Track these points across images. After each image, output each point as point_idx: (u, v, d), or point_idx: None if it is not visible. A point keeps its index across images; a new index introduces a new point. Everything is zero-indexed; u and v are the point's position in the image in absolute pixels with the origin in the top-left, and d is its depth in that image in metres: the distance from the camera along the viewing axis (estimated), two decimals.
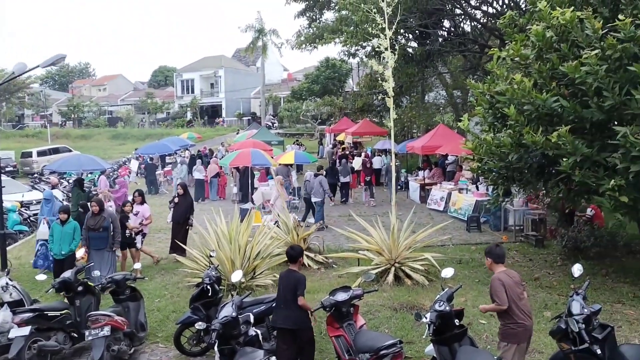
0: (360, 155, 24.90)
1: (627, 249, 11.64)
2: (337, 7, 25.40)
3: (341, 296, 6.38)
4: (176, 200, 12.61)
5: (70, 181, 23.53)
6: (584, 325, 5.02)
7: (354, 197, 20.97)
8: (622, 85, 7.76)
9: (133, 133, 52.98)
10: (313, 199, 15.78)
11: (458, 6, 23.30)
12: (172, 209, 12.75)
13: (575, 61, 8.03)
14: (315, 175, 16.17)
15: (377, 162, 23.70)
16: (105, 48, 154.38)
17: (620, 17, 7.78)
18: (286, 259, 7.05)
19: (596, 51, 7.85)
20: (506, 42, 11.15)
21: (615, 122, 7.99)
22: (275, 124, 51.66)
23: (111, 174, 25.53)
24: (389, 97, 10.86)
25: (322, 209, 15.83)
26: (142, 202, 12.00)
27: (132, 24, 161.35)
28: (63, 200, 20.05)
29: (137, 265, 9.30)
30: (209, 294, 7.34)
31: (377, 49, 11.24)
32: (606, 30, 8.06)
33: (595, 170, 8.21)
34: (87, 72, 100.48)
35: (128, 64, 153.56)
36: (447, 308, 5.50)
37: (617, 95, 7.74)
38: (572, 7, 8.61)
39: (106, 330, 6.68)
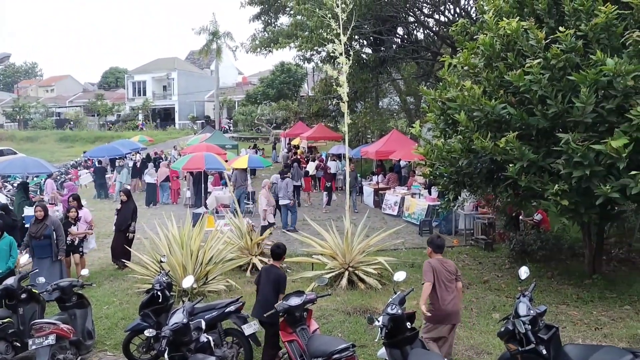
0: (314, 160, 24.96)
1: (571, 251, 12.08)
2: (292, 12, 25.45)
3: (294, 301, 6.34)
4: (118, 207, 12.13)
5: (15, 185, 22.66)
6: (530, 326, 5.15)
7: (310, 202, 20.96)
8: (564, 94, 8.09)
9: (82, 135, 51.33)
10: (282, 202, 15.85)
11: (411, 14, 23.76)
12: (116, 216, 12.23)
13: (520, 70, 8.31)
14: (283, 178, 16.34)
15: (332, 167, 23.82)
16: (53, 48, 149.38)
17: (561, 29, 8.11)
18: (237, 264, 7.13)
19: (538, 60, 8.14)
20: (458, 49, 11.42)
21: (559, 129, 8.29)
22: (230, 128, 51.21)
23: (59, 177, 24.68)
24: (344, 102, 10.94)
25: (296, 212, 16.32)
26: (80, 206, 11.42)
27: (83, 23, 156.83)
28: (7, 202, 19.24)
29: (85, 272, 8.98)
30: (160, 301, 7.17)
31: (331, 54, 11.31)
32: (549, 40, 8.38)
33: (540, 176, 8.51)
34: (33, 72, 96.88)
35: (77, 64, 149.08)
36: (399, 311, 5.55)
37: (560, 103, 8.05)
38: (518, 17, 8.91)
39: (51, 339, 6.42)
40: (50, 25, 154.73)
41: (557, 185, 7.98)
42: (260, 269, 7.30)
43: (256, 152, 28.84)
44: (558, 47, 8.06)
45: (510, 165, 8.39)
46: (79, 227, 10.89)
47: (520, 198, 9.63)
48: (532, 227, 12.85)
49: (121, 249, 11.38)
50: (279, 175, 17.44)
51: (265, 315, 6.43)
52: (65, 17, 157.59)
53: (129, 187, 16.48)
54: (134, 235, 11.83)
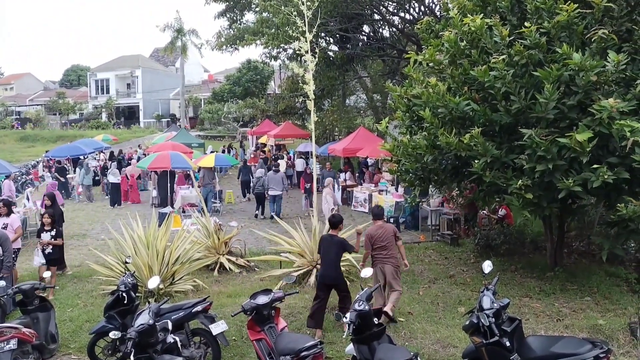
0: (282, 158, 24.93)
1: (533, 245, 12.37)
2: (258, 9, 25.30)
3: (262, 299, 6.32)
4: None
5: None
6: (494, 319, 5.24)
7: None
8: (527, 90, 8.25)
9: (43, 135, 49.96)
10: (273, 192, 17.23)
11: (377, 12, 23.91)
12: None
13: (485, 66, 8.45)
14: (275, 172, 17.83)
15: (299, 165, 23.83)
16: (12, 46, 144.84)
17: (527, 24, 8.27)
18: (204, 264, 7.25)
19: (503, 56, 8.30)
20: (423, 47, 11.54)
21: (522, 125, 8.47)
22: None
23: (18, 177, 23.96)
24: (310, 100, 10.93)
25: (281, 202, 17.72)
26: (9, 212, 10.25)
27: (43, 20, 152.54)
28: None
29: (47, 274, 8.77)
30: (125, 302, 7.05)
31: (298, 52, 11.28)
32: (513, 37, 8.54)
33: (504, 171, 8.67)
34: None
35: (38, 62, 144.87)
36: (367, 307, 5.58)
37: (523, 99, 8.22)
38: (482, 15, 9.05)
39: (12, 344, 6.22)
40: (9, 23, 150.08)
41: (520, 180, 8.15)
42: (320, 239, 8.45)
43: (229, 152, 28.71)
44: (521, 44, 8.22)
45: (475, 161, 8.53)
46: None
47: (484, 193, 9.80)
48: (496, 222, 13.10)
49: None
50: (262, 170, 19.51)
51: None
52: (24, 14, 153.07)
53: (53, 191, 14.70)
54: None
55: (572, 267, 10.92)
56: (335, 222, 8.21)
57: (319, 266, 10.11)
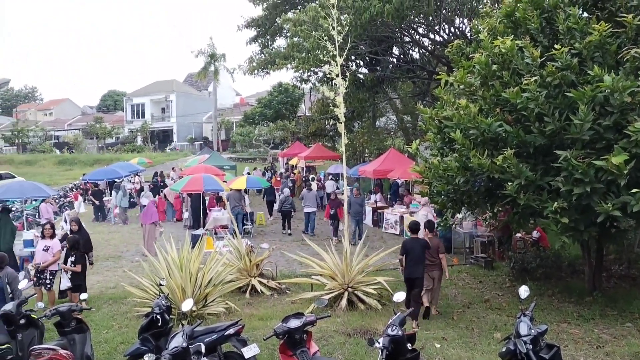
0: (313, 180, 25.00)
1: (571, 269, 12.05)
2: (288, 34, 25.70)
3: (294, 323, 6.29)
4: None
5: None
6: (531, 346, 5.12)
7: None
8: (561, 111, 8.14)
9: (81, 158, 51.37)
10: (308, 210, 18.62)
11: (407, 34, 24.00)
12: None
13: (517, 88, 8.37)
14: (309, 190, 19.44)
15: (329, 186, 23.87)
16: (53, 72, 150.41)
17: (557, 46, 8.19)
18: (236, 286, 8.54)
19: (535, 78, 8.22)
20: (453, 68, 11.52)
21: (557, 147, 8.33)
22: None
23: (56, 200, 24.61)
24: (341, 123, 11.00)
25: (315, 218, 18.77)
26: (53, 235, 10.64)
27: (82, 48, 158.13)
28: None
29: (84, 296, 8.93)
30: (159, 324, 7.10)
31: (328, 76, 11.40)
32: (545, 58, 8.46)
33: (539, 193, 8.51)
34: (33, 96, 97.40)
35: (76, 88, 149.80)
36: (400, 332, 5.51)
37: (558, 120, 8.10)
38: (513, 37, 9.01)
39: None
40: (50, 50, 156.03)
41: (556, 202, 7.98)
42: (404, 243, 9.63)
43: (265, 175, 29.07)
44: (553, 65, 8.13)
45: (509, 183, 8.40)
46: (40, 258, 10.28)
47: (519, 216, 9.63)
48: (532, 245, 12.82)
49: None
50: (288, 189, 20.69)
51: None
52: (64, 42, 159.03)
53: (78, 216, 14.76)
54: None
55: (611, 291, 10.60)
56: (416, 228, 9.72)
57: (350, 289, 10.09)
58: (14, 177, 33.13)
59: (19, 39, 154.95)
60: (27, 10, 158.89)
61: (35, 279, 10.28)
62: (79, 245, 10.22)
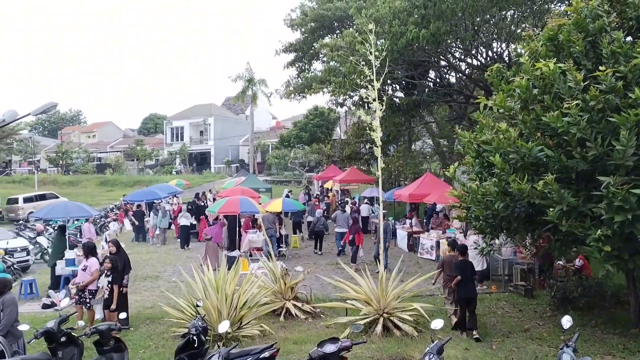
0: (347, 203, 24.96)
1: (615, 299, 11.60)
2: (325, 59, 26.02)
3: (329, 348, 6.23)
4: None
5: (56, 228, 23.30)
6: None
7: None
8: (604, 136, 7.94)
9: (121, 180, 52.74)
10: (340, 230, 19.04)
11: (443, 59, 23.96)
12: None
13: (558, 112, 8.23)
14: (343, 211, 19.94)
15: (364, 210, 23.79)
16: (96, 95, 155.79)
17: (602, 68, 8.03)
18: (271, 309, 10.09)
19: (577, 102, 8.06)
20: (492, 92, 11.42)
21: (600, 172, 8.11)
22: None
23: (97, 220, 25.26)
24: (377, 147, 11.00)
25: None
26: (93, 255, 10.84)
27: (125, 72, 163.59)
28: (48, 247, 19.81)
29: (122, 315, 9.08)
30: (195, 345, 7.15)
31: (365, 100, 11.47)
32: (588, 81, 8.30)
33: (581, 220, 8.28)
34: (78, 119, 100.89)
35: (119, 111, 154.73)
36: None
37: (600, 145, 7.90)
38: (555, 60, 8.88)
39: None
40: (95, 73, 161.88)
41: (599, 230, 7.74)
42: (454, 265, 10.30)
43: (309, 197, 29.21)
44: (597, 89, 7.97)
45: (550, 209, 8.20)
46: (80, 278, 10.53)
47: (561, 243, 9.36)
48: (574, 274, 12.43)
49: (118, 305, 10.08)
50: (321, 211, 21.92)
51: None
52: (109, 67, 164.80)
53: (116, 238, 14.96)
54: (127, 290, 10.87)
55: None
56: (464, 250, 10.61)
57: (385, 314, 9.97)
58: (57, 197, 34.19)
59: (66, 64, 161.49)
60: (74, 38, 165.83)
61: (76, 297, 10.54)
62: (117, 266, 10.33)
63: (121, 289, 10.32)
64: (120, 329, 7.85)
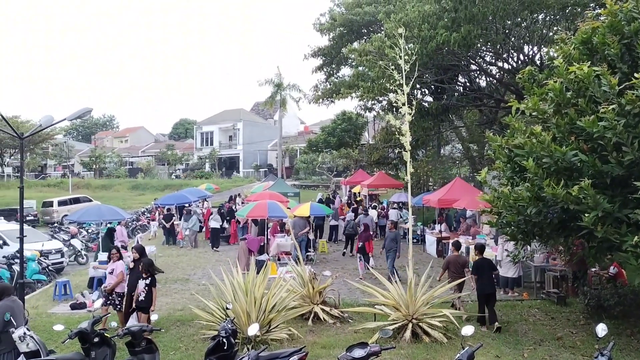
0: (375, 208, 24.86)
1: None
2: (354, 63, 26.01)
3: (358, 353, 6.21)
4: (131, 265, 10.72)
5: (89, 231, 23.84)
6: None
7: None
8: None
9: (152, 184, 53.64)
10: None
11: (473, 62, 23.72)
12: (127, 275, 10.89)
13: (593, 116, 8.06)
14: (365, 215, 21.09)
15: (392, 215, 23.67)
16: (129, 101, 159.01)
17: (637, 75, 7.84)
18: (299, 313, 10.66)
19: (613, 106, 7.88)
20: (524, 96, 11.26)
21: (636, 178, 7.90)
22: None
23: (129, 224, 25.74)
24: (406, 151, 10.94)
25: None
26: (120, 257, 11.25)
27: (157, 78, 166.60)
28: (82, 249, 20.28)
29: (154, 317, 9.22)
30: (225, 348, 7.21)
31: (394, 104, 11.42)
32: (624, 85, 8.11)
33: (617, 227, 8.08)
34: (111, 124, 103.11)
35: (150, 116, 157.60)
36: None
37: (637, 150, 7.70)
38: (589, 63, 8.71)
39: None
40: (129, 79, 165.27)
41: (636, 236, 7.54)
42: (475, 264, 11.16)
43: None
44: (633, 93, 7.79)
45: (585, 215, 8.02)
46: (109, 280, 10.79)
47: (595, 250, 9.14)
48: (608, 281, 12.13)
49: (146, 304, 9.93)
50: (352, 214, 22.57)
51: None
52: (142, 73, 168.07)
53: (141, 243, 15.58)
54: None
55: None
56: (482, 249, 11.69)
57: (414, 320, 9.89)
58: (90, 200, 34.98)
59: (100, 71, 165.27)
60: (108, 45, 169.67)
61: (104, 299, 10.74)
62: (152, 269, 10.27)
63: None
64: (152, 330, 7.98)
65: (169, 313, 12.02)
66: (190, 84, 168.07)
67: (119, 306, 10.75)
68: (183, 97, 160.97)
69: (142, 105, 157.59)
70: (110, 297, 10.80)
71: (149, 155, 71.83)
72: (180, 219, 24.41)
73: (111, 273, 10.97)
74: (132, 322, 9.30)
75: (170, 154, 64.43)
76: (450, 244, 12.01)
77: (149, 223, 27.11)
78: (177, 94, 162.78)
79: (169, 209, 25.49)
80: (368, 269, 15.82)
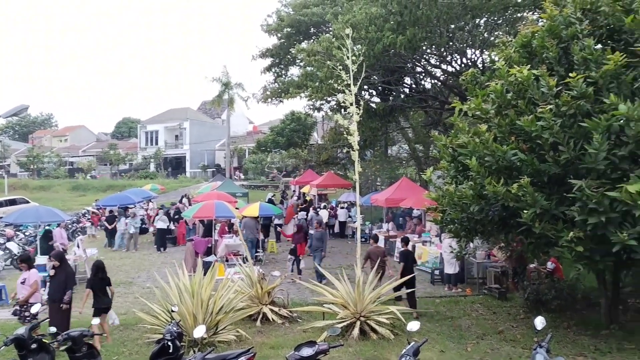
0: (325, 208, 24.98)
1: (587, 301, 11.83)
2: (302, 64, 26.05)
3: (306, 351, 6.21)
4: (51, 272, 9.98)
5: (27, 234, 22.80)
6: None
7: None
8: (576, 140, 8.12)
9: (94, 184, 51.86)
10: (312, 231, 18.12)
11: (419, 65, 24.22)
12: (47, 283, 10.27)
13: (532, 116, 8.39)
14: (316, 213, 20.91)
15: (341, 215, 23.85)
16: (68, 99, 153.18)
17: (572, 74, 8.22)
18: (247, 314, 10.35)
19: (550, 107, 8.23)
20: (467, 98, 11.59)
21: (572, 176, 8.29)
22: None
23: (69, 226, 24.78)
24: (354, 151, 11.04)
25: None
26: (30, 267, 10.18)
27: (98, 75, 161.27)
28: (18, 252, 19.33)
29: (95, 321, 8.90)
30: (170, 351, 7.04)
31: (342, 104, 11.51)
32: (560, 87, 8.49)
33: (554, 223, 8.44)
34: (49, 123, 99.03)
35: (92, 115, 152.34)
36: None
37: (572, 150, 8.08)
38: (529, 66, 9.06)
39: None
40: (68, 76, 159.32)
41: (572, 232, 7.90)
42: (403, 253, 12.34)
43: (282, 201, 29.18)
44: (568, 94, 8.15)
45: (524, 212, 8.34)
46: (22, 291, 9.85)
47: (534, 246, 9.52)
48: (546, 276, 12.65)
49: (58, 322, 9.03)
50: (304, 213, 22.26)
51: None
52: (82, 70, 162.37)
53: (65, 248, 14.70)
54: (69, 307, 9.76)
55: (628, 325, 10.38)
56: (407, 241, 13.20)
57: (362, 318, 9.99)
58: (28, 202, 33.47)
59: (37, 66, 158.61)
60: (45, 39, 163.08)
61: (18, 311, 9.79)
62: (96, 270, 9.91)
63: (61, 305, 9.52)
64: (93, 335, 7.71)
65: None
66: (134, 83, 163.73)
67: (28, 318, 9.56)
68: (127, 95, 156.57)
69: (83, 104, 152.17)
70: (21, 309, 9.73)
71: (90, 155, 69.42)
72: (121, 221, 23.68)
73: (23, 283, 9.94)
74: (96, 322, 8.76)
75: (113, 153, 62.48)
76: (400, 240, 13.11)
77: (95, 225, 26.19)
78: (121, 93, 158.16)
79: (111, 211, 24.71)
80: (299, 271, 15.69)
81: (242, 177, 51.36)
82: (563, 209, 8.30)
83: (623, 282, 10.84)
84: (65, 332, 7.52)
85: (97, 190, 48.10)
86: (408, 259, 12.31)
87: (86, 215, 29.78)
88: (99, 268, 10.02)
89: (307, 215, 22.41)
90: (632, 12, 8.62)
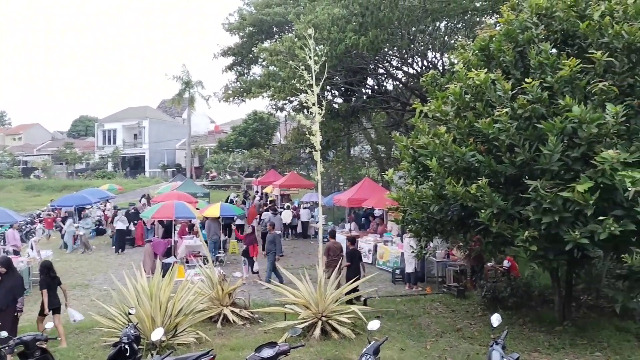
0: (288, 208, 24.94)
1: (541, 298, 12.16)
2: (264, 63, 25.90)
3: (267, 352, 6.17)
4: None
5: None
6: None
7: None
8: (531, 142, 8.34)
9: (49, 184, 50.28)
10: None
11: (381, 66, 24.45)
12: None
13: (489, 119, 8.58)
14: (274, 214, 20.55)
15: (304, 215, 23.85)
16: (23, 96, 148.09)
17: (528, 80, 8.45)
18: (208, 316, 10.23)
19: (506, 109, 8.44)
20: (427, 100, 11.76)
21: (527, 177, 8.51)
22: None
23: (23, 227, 23.97)
24: (317, 151, 11.05)
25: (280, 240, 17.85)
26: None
27: (53, 72, 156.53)
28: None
29: (49, 325, 8.62)
30: (127, 354, 6.89)
31: (304, 104, 11.50)
32: (517, 90, 8.70)
33: (510, 222, 8.65)
34: (2, 121, 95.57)
35: (47, 113, 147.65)
36: None
37: (528, 151, 8.29)
38: (486, 69, 9.26)
39: None
40: (21, 73, 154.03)
41: (526, 231, 8.11)
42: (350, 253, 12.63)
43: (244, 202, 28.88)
44: (524, 98, 8.37)
45: (482, 211, 8.52)
46: None
47: (491, 245, 9.73)
48: (503, 275, 12.94)
49: (7, 330, 8.02)
50: (268, 213, 20.86)
51: None
52: (35, 66, 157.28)
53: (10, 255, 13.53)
54: (20, 314, 9.36)
55: (581, 321, 10.71)
56: (353, 240, 14.08)
57: (324, 318, 10.01)
58: None
59: None
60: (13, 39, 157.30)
61: None
62: (47, 270, 9.80)
63: (15, 314, 9.12)
64: (47, 339, 7.47)
65: (67, 321, 11.25)
66: (91, 80, 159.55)
67: None
68: (83, 93, 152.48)
69: (37, 101, 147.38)
70: None
71: (45, 154, 67.30)
72: (78, 222, 23.08)
73: None
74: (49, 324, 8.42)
75: (69, 152, 60.74)
76: (356, 240, 13.68)
77: (50, 227, 25.39)
78: (77, 90, 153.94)
79: (67, 211, 24.03)
80: (253, 273, 15.48)
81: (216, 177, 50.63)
82: (519, 209, 8.51)
83: (576, 279, 11.19)
84: (17, 337, 7.26)
85: (52, 190, 46.68)
86: (354, 258, 12.75)
87: (40, 216, 28.89)
88: (49, 268, 9.90)
89: (274, 215, 22.25)
90: (586, 17, 8.92)
